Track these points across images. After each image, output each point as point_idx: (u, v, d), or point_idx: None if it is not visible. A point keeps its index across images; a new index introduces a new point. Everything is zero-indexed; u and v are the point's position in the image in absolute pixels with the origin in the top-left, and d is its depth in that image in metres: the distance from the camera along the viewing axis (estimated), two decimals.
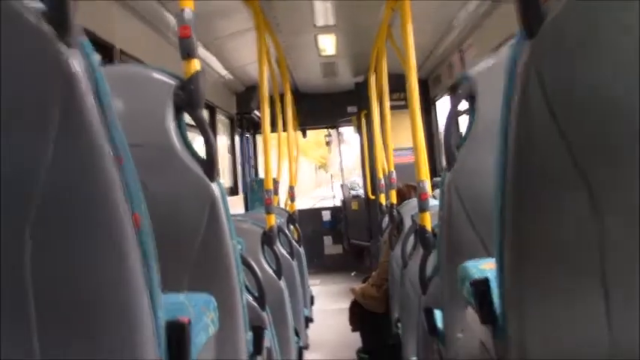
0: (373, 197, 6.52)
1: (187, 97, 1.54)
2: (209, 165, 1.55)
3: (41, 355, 0.81)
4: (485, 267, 1.21)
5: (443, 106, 6.43)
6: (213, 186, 1.55)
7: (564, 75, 0.87)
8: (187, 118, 1.61)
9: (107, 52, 3.02)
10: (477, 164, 1.63)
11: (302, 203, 7.02)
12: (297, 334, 3.30)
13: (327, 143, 8.68)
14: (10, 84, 0.78)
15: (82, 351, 0.83)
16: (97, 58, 0.83)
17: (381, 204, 5.04)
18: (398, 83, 4.73)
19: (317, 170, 23.15)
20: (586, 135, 0.88)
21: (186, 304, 1.14)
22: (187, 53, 1.59)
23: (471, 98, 1.70)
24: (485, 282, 1.12)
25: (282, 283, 2.93)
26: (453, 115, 1.81)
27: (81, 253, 0.82)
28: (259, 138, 8.03)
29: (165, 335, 0.94)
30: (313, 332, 4.60)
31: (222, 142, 6.73)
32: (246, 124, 7.46)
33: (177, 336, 0.96)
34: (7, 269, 0.79)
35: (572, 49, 0.87)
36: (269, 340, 2.04)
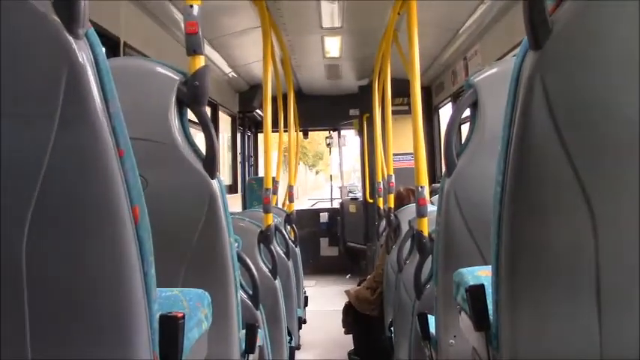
0: (371, 200, 6.52)
1: (191, 92, 1.54)
2: (210, 162, 1.55)
3: (33, 344, 0.81)
4: (480, 274, 1.21)
5: (445, 113, 6.43)
6: (214, 183, 1.55)
7: (569, 86, 0.88)
8: (190, 115, 1.61)
9: (112, 44, 3.02)
10: (477, 172, 1.64)
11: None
12: (289, 334, 3.30)
13: (328, 145, 8.67)
14: (15, 71, 0.78)
15: (75, 341, 0.83)
16: (103, 50, 0.83)
17: (379, 207, 5.04)
18: (401, 88, 4.73)
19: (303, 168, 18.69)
20: (588, 147, 0.88)
21: (181, 298, 1.15)
22: (193, 49, 1.59)
23: (474, 106, 1.70)
24: (481, 288, 1.13)
25: (277, 283, 2.92)
26: (455, 122, 1.81)
27: (78, 243, 0.82)
28: (260, 137, 8.02)
29: (159, 329, 0.94)
30: (306, 333, 4.60)
31: (223, 139, 6.72)
32: (247, 123, 7.46)
33: (170, 330, 0.95)
34: (4, 258, 0.79)
35: (578, 61, 0.87)
36: (261, 338, 2.03)
